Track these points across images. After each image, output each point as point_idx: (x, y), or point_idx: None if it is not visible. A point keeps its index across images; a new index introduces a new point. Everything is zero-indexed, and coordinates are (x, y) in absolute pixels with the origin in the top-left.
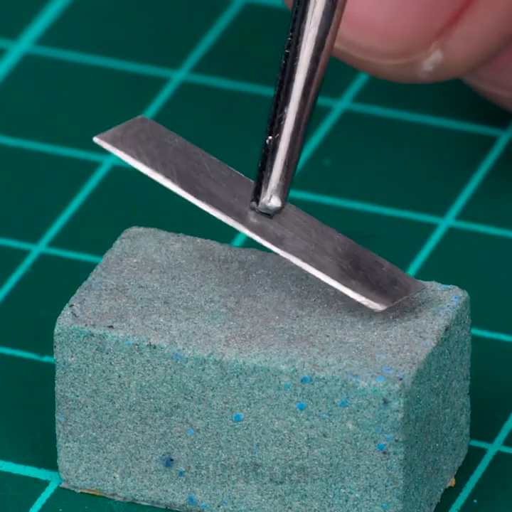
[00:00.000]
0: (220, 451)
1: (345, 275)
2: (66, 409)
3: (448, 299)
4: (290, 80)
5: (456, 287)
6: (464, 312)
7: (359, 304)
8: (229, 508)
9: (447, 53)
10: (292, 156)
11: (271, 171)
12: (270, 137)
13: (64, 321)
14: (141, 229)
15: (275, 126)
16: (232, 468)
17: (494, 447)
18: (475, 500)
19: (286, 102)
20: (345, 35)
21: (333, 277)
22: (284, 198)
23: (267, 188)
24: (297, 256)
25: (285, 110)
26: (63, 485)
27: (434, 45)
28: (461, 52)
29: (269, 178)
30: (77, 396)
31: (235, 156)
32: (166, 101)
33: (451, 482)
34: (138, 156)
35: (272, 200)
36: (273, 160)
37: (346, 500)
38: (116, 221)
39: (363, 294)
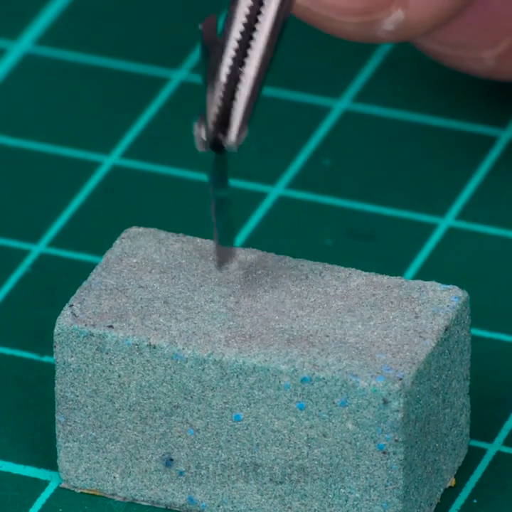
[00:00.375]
0: (220, 451)
1: None
2: (66, 409)
3: (448, 299)
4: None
5: (456, 287)
6: (464, 312)
7: None
8: (229, 508)
9: (408, 13)
10: (250, 106)
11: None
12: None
13: (64, 321)
14: (141, 229)
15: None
16: (232, 468)
17: (494, 447)
18: (475, 500)
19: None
20: None
21: None
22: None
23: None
24: None
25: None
26: (63, 485)
27: (395, 4)
28: (422, 11)
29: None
30: (77, 396)
31: (235, 157)
32: (166, 101)
33: (451, 482)
34: None
35: (230, 145)
36: (235, 104)
37: (346, 500)
38: (116, 221)
39: None
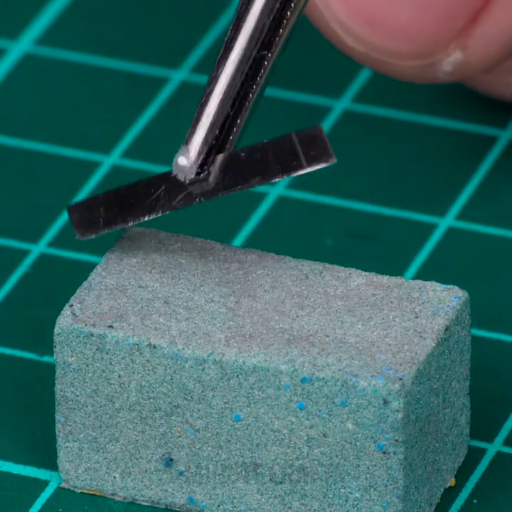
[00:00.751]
0: (220, 451)
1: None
2: (66, 409)
3: (448, 299)
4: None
5: (456, 287)
6: (464, 312)
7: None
8: (229, 508)
9: (466, 53)
10: (213, 125)
11: (189, 130)
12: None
13: (64, 321)
14: (141, 229)
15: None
16: (232, 468)
17: (494, 447)
18: (475, 500)
19: (218, 65)
20: (366, 37)
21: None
22: (194, 160)
23: (183, 145)
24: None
25: (216, 73)
26: (63, 485)
27: (453, 45)
28: (480, 51)
29: (187, 138)
30: (77, 396)
31: None
32: (166, 101)
33: (451, 482)
34: None
35: (179, 158)
36: (192, 121)
37: (346, 500)
38: None
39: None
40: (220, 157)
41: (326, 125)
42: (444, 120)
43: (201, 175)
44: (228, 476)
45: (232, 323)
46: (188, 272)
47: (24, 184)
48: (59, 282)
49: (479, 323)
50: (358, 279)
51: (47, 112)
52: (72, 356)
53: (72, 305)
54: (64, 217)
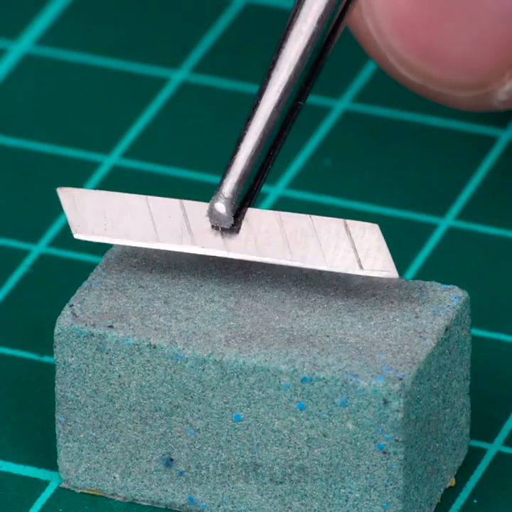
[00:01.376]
0: (220, 451)
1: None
2: (66, 409)
3: (448, 299)
4: (259, 99)
5: (456, 287)
6: (464, 312)
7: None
8: (229, 508)
9: None
10: (246, 174)
11: (225, 177)
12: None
13: (64, 321)
14: None
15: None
16: (232, 468)
17: (494, 447)
18: (475, 500)
19: (251, 116)
20: (423, 69)
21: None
22: (232, 209)
23: (218, 192)
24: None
25: (250, 123)
26: (63, 485)
27: (508, 75)
28: None
29: (221, 185)
30: (77, 396)
31: None
32: (166, 101)
33: (451, 482)
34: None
35: (216, 204)
36: (228, 168)
37: (346, 500)
38: None
39: (371, 269)
40: (251, 210)
41: (326, 125)
42: (444, 120)
43: (234, 225)
44: (228, 476)
45: (232, 323)
46: (188, 272)
47: (24, 184)
48: (59, 282)
49: (479, 323)
50: (358, 279)
51: (47, 112)
52: (72, 356)
53: (72, 305)
54: (64, 217)
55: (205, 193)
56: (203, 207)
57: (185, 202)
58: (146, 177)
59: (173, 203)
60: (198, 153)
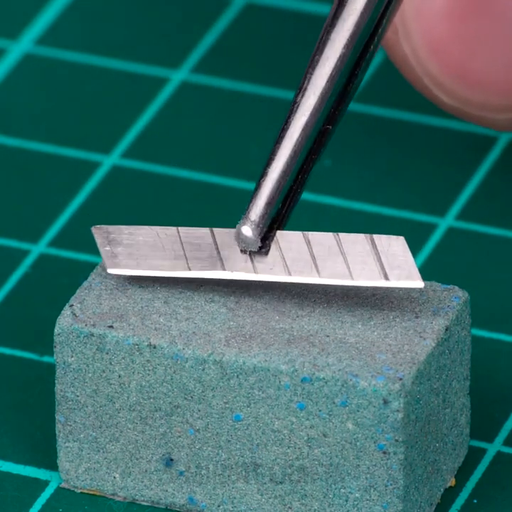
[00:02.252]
0: (220, 451)
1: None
2: (66, 409)
3: (448, 299)
4: (287, 124)
5: (456, 287)
6: (464, 312)
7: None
8: (229, 508)
9: None
10: (273, 197)
11: (251, 201)
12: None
13: (64, 321)
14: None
15: (269, 160)
16: (232, 468)
17: (494, 447)
18: (475, 500)
19: (279, 140)
20: (461, 93)
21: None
22: (259, 233)
23: (245, 216)
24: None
25: (277, 147)
26: (63, 485)
27: None
28: None
29: (248, 208)
30: (77, 396)
31: (235, 157)
32: (166, 101)
33: (451, 482)
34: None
35: (243, 228)
36: (255, 191)
37: (346, 500)
38: (117, 221)
39: (399, 278)
40: (280, 233)
41: None
42: (444, 120)
43: (262, 248)
44: (228, 476)
45: (232, 323)
46: None
47: (24, 184)
48: (59, 282)
49: (479, 323)
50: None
51: (47, 112)
52: (72, 356)
53: (72, 305)
54: (64, 217)
55: (205, 193)
56: (232, 233)
57: (216, 230)
58: (146, 177)
59: (204, 231)
60: (198, 153)
